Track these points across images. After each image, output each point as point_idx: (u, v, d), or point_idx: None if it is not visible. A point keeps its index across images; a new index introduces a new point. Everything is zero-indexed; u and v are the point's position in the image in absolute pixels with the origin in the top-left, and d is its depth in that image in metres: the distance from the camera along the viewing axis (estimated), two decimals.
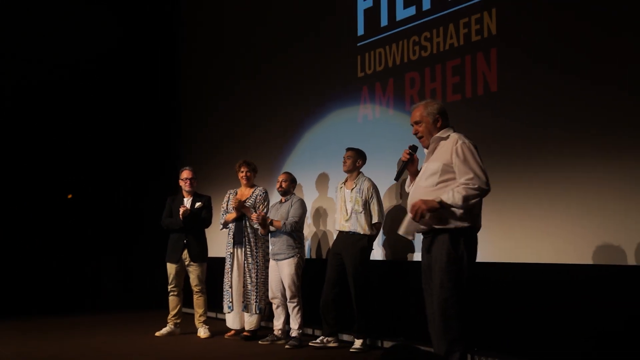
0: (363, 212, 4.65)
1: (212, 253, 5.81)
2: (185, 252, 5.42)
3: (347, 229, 4.69)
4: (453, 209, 2.83)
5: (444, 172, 2.91)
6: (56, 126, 7.60)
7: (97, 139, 7.82)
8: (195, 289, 5.48)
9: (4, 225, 7.37)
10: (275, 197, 5.57)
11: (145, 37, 8.07)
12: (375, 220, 4.70)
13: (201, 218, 5.41)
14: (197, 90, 7.83)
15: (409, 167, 3.13)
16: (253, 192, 5.42)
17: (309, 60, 5.98)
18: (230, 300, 5.35)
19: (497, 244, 4.03)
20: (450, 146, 2.91)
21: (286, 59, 6.31)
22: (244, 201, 5.35)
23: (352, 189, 4.73)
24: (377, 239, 4.90)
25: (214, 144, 7.27)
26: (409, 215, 2.90)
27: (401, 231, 3.00)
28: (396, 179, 3.17)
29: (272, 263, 5.15)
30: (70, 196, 7.70)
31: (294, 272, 5.00)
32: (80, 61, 7.44)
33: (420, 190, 2.96)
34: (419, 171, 3.12)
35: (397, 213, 4.87)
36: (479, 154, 2.92)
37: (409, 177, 3.19)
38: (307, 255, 5.35)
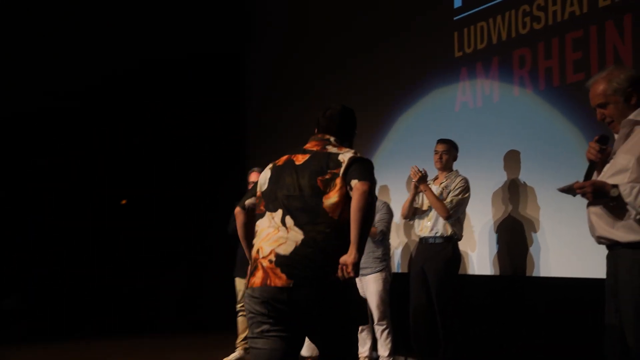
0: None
1: None
2: None
3: (427, 233, 4.34)
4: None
5: (638, 169, 2.38)
6: (111, 128, 7.60)
7: (154, 141, 7.73)
8: None
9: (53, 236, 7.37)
10: None
11: (209, 25, 7.83)
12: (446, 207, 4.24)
13: None
14: (266, 83, 7.59)
15: (598, 166, 2.55)
16: None
17: (394, 41, 5.61)
18: None
19: None
20: None
21: (367, 43, 5.94)
22: None
23: (441, 184, 4.40)
24: (490, 252, 4.46)
25: (288, 142, 6.79)
26: (575, 184, 2.44)
27: (560, 187, 2.52)
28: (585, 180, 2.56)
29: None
30: (124, 202, 7.57)
31: (382, 289, 4.62)
32: (135, 58, 7.42)
33: None
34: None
35: (512, 224, 4.42)
36: None
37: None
38: (395, 269, 5.02)
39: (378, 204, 4.74)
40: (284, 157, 2.57)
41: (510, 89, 4.47)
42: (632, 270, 2.35)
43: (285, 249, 2.36)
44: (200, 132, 7.80)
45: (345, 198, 2.38)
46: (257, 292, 2.39)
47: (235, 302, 5.34)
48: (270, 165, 2.60)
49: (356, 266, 2.29)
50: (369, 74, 5.86)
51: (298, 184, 2.44)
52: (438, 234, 4.30)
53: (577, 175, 2.64)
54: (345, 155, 2.45)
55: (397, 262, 5.26)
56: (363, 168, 2.41)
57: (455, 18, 4.96)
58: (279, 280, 2.34)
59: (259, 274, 2.40)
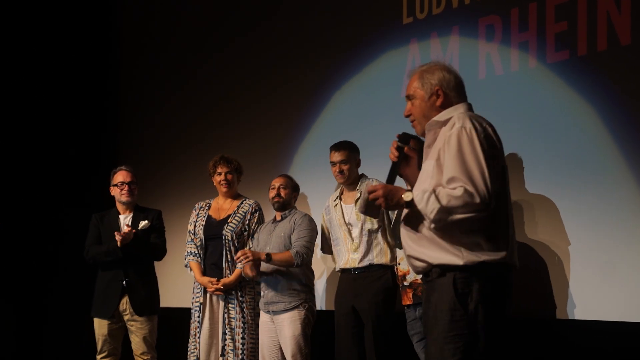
0: (380, 229, 4.00)
1: (166, 302, 4.99)
2: (125, 300, 4.67)
3: (358, 263, 4.05)
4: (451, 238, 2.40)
5: (437, 173, 2.48)
6: None
7: None
8: (140, 358, 4.73)
9: None
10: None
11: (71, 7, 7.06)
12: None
13: (149, 245, 4.66)
14: (143, 62, 6.90)
15: (402, 169, 2.69)
16: (239, 207, 4.60)
17: (322, 4, 5.17)
18: None
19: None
20: (447, 134, 2.48)
21: (281, 9, 5.46)
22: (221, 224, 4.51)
23: (356, 201, 4.10)
24: None
25: (172, 135, 6.40)
26: (365, 195, 2.58)
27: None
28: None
29: (264, 318, 4.32)
30: None
31: (299, 333, 4.14)
32: None
33: None
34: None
35: None
36: (489, 150, 2.39)
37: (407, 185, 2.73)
38: (319, 305, 4.54)
39: (297, 216, 4.33)
40: None
41: (474, 69, 4.15)
42: (440, 304, 2.39)
43: None
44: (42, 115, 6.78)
45: None
46: None
47: (95, 352, 4.74)
48: None
49: None
50: (279, 45, 5.44)
51: None
52: (374, 262, 4.03)
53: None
54: None
55: (321, 295, 4.79)
56: None
57: None
58: None
59: None
